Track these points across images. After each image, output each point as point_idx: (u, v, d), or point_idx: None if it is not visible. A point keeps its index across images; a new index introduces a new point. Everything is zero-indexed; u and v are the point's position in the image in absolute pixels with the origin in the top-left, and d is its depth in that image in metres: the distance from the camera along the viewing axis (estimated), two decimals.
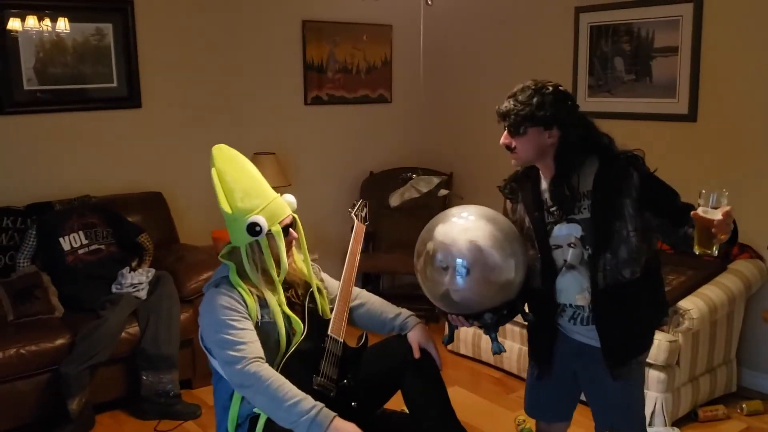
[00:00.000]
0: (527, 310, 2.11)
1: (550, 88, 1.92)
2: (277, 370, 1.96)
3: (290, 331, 2.09)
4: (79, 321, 3.16)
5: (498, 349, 2.04)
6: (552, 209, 1.99)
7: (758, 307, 3.38)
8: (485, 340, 3.70)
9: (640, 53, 3.77)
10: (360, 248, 2.37)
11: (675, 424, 3.04)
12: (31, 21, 3.59)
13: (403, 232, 4.58)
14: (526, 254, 1.96)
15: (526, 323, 2.14)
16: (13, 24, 3.55)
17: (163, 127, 4.09)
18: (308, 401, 1.88)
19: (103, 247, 3.48)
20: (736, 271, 3.24)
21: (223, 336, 1.96)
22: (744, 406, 3.22)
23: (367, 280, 4.59)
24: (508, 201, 2.15)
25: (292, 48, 4.52)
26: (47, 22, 3.64)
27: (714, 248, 1.74)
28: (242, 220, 2.02)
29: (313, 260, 2.30)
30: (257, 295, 2.07)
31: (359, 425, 1.89)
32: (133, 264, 3.53)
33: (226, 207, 2.05)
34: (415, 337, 2.18)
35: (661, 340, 2.92)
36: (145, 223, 3.76)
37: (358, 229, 2.43)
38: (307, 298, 2.18)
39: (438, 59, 4.84)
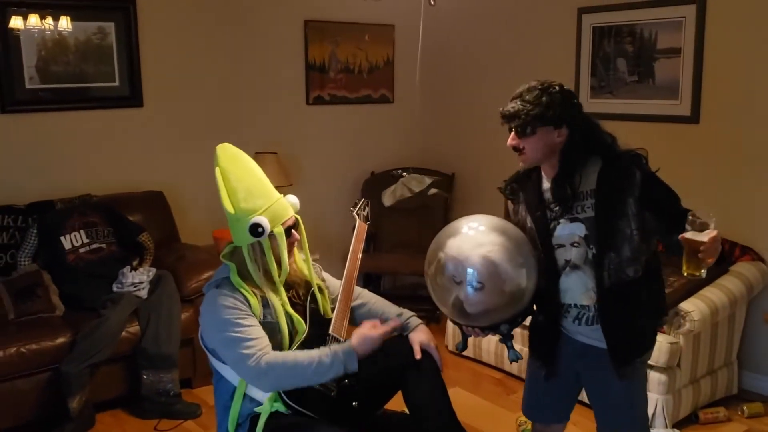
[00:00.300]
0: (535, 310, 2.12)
1: (557, 87, 1.93)
2: None
3: (292, 331, 2.09)
4: (79, 320, 3.16)
5: (515, 357, 2.06)
6: (554, 208, 1.99)
7: (759, 310, 3.38)
8: (487, 342, 3.69)
9: (643, 54, 3.76)
10: (362, 248, 2.36)
11: (676, 426, 3.03)
12: (34, 19, 3.59)
13: (404, 232, 4.59)
14: (537, 259, 1.97)
15: (527, 324, 2.14)
16: (16, 22, 3.55)
17: (164, 126, 4.09)
18: (322, 352, 1.98)
19: (104, 246, 3.48)
20: (738, 273, 3.24)
21: (229, 335, 1.96)
22: (745, 408, 3.21)
23: (368, 280, 4.59)
24: (509, 202, 2.15)
25: (294, 48, 4.52)
26: (49, 20, 3.64)
27: (702, 271, 1.82)
28: (245, 221, 2.02)
29: (314, 260, 2.30)
30: (260, 296, 2.06)
31: (360, 426, 1.89)
32: (134, 263, 3.53)
33: (228, 207, 2.04)
34: (416, 337, 2.17)
35: (662, 342, 2.92)
36: (146, 222, 3.76)
37: (360, 228, 2.42)
38: (309, 298, 2.18)
39: (440, 59, 4.84)
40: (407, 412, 2.17)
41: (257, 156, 4.04)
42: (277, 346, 2.05)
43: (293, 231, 2.13)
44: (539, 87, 1.93)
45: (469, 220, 1.99)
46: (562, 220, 1.99)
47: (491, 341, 3.66)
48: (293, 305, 2.13)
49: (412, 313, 2.29)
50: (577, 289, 1.99)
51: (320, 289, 2.24)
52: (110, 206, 3.64)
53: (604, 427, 2.13)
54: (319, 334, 2.11)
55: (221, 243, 3.73)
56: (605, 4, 3.88)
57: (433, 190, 4.54)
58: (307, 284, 2.22)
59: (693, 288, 3.09)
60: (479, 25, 4.66)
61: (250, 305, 2.02)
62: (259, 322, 2.03)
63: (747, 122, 3.40)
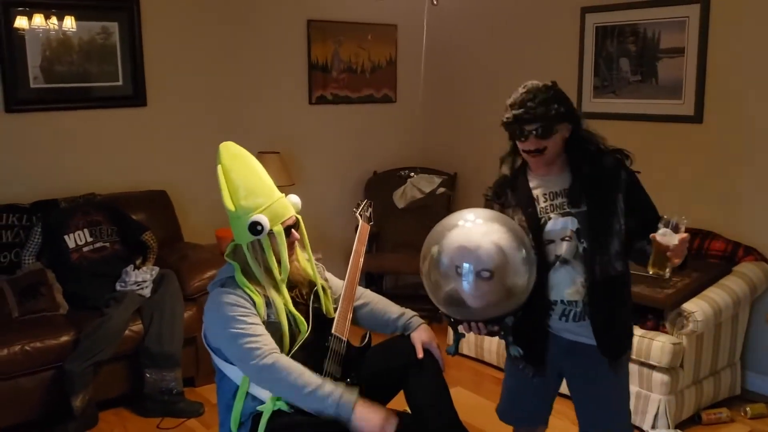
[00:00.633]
0: None
1: (551, 84, 1.97)
2: None
3: (294, 331, 2.10)
4: (83, 318, 3.17)
5: (517, 352, 2.05)
6: (543, 203, 2.02)
7: (763, 310, 3.37)
8: (488, 341, 3.69)
9: (646, 54, 3.76)
10: (364, 248, 2.37)
11: (678, 426, 3.03)
12: (38, 19, 3.60)
13: (406, 232, 4.59)
14: (536, 253, 1.97)
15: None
16: (20, 22, 3.56)
17: (167, 125, 4.10)
18: (329, 385, 1.92)
19: (107, 245, 3.49)
20: (741, 274, 3.23)
21: (232, 331, 1.97)
22: (748, 409, 3.21)
23: (371, 280, 4.60)
24: (495, 205, 2.14)
25: (297, 47, 4.53)
26: (54, 20, 3.65)
27: (667, 271, 1.88)
28: (245, 219, 2.02)
29: (316, 259, 2.30)
30: (264, 295, 2.07)
31: None
32: (138, 262, 3.53)
33: (229, 204, 2.05)
34: (418, 337, 2.18)
35: (665, 342, 2.92)
36: (150, 221, 3.77)
37: (363, 228, 2.42)
38: (311, 297, 2.18)
39: (443, 59, 4.84)
40: (409, 411, 2.17)
41: (260, 155, 4.03)
42: (278, 345, 2.05)
43: (293, 230, 2.13)
44: (542, 88, 1.94)
45: (465, 213, 1.99)
46: (552, 215, 2.01)
47: (492, 341, 3.66)
48: (296, 304, 2.14)
49: (414, 313, 2.29)
50: (565, 284, 2.00)
51: (323, 288, 2.24)
52: (114, 205, 3.65)
53: (589, 423, 2.14)
54: (321, 334, 2.12)
55: (224, 242, 3.74)
56: (608, 4, 3.88)
57: (441, 190, 4.54)
58: (311, 284, 2.23)
59: (696, 288, 3.09)
60: (482, 25, 4.66)
61: (254, 304, 2.03)
62: (263, 322, 2.03)
63: (750, 122, 3.40)
